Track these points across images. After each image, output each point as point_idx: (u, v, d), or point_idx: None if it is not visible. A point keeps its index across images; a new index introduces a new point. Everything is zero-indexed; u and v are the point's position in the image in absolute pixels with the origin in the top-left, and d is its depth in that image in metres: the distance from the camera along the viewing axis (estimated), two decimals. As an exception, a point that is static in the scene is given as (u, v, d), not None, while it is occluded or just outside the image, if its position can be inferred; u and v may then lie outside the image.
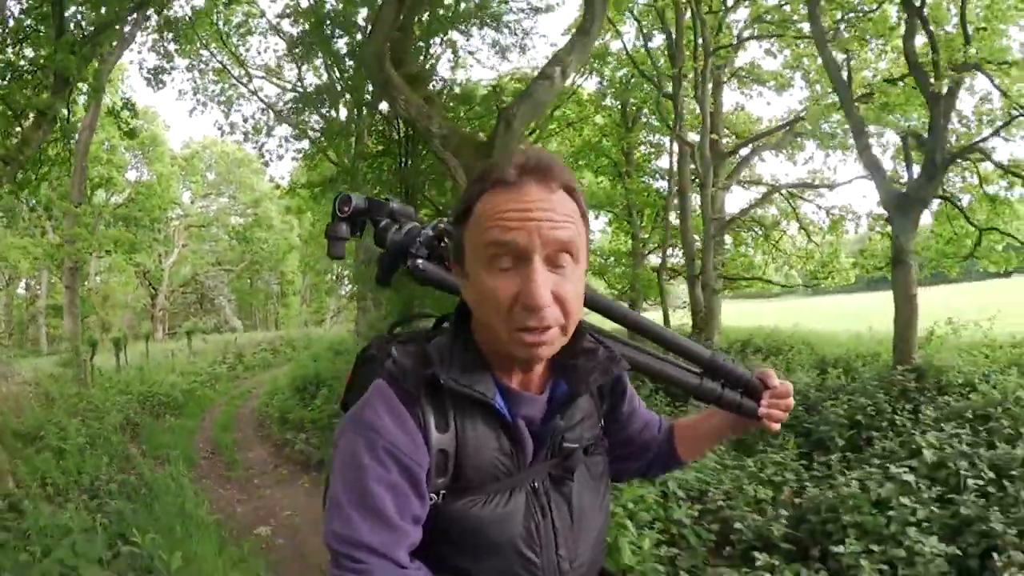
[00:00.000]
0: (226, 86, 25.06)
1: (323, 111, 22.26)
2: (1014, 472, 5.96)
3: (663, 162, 22.29)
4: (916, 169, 11.23)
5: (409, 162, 18.65)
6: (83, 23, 12.97)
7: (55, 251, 20.75)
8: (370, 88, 17.50)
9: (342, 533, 1.37)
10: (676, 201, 19.03)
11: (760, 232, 25.25)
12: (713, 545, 6.08)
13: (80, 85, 13.32)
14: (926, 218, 17.39)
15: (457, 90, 20.03)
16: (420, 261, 1.76)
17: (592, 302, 1.73)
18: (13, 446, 9.85)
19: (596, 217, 26.85)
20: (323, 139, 22.38)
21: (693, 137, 16.78)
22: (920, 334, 12.72)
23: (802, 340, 19.38)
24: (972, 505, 5.45)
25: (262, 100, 24.73)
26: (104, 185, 33.68)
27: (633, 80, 22.03)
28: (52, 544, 5.22)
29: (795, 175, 42.39)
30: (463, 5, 18.26)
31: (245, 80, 24.61)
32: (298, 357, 27.74)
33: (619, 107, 24.73)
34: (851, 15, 14.70)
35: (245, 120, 24.71)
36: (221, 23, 22.05)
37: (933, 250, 16.90)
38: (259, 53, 37.51)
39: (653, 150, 26.05)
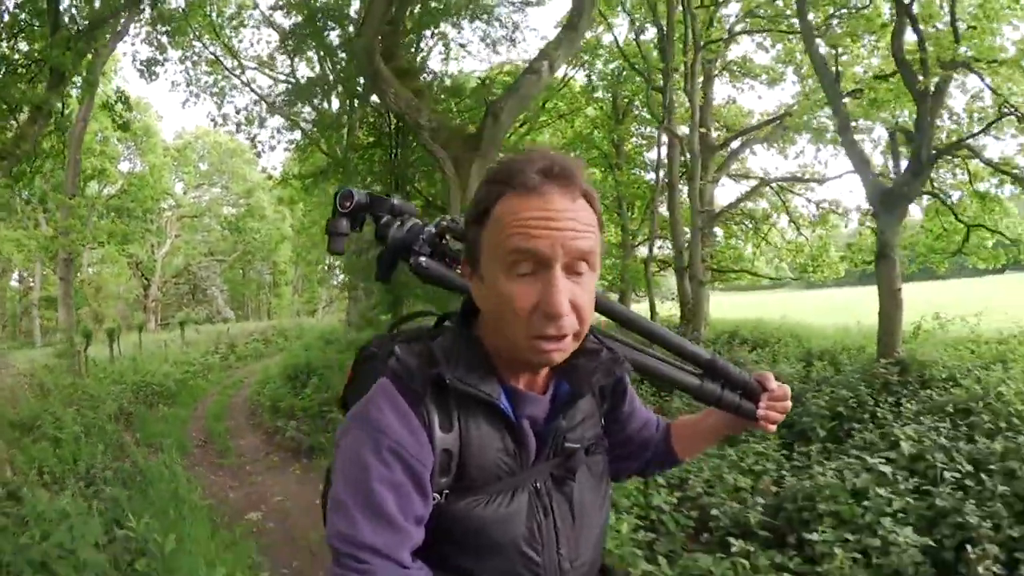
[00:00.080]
0: (219, 77, 24.96)
1: (315, 103, 22.26)
2: (992, 466, 6.02)
3: (654, 154, 22.37)
4: (904, 165, 11.27)
5: (399, 154, 18.70)
6: (78, 18, 13.01)
7: (49, 243, 20.77)
8: (362, 80, 17.56)
9: (346, 533, 1.38)
10: (665, 194, 19.11)
11: (750, 225, 25.40)
12: (692, 531, 6.21)
13: (75, 79, 13.30)
14: (917, 213, 17.55)
15: (447, 82, 20.07)
16: (423, 258, 1.75)
17: (597, 304, 1.65)
18: (10, 436, 9.95)
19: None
20: (315, 130, 22.34)
21: (683, 130, 16.85)
22: (907, 328, 12.85)
23: (790, 332, 19.35)
24: (948, 497, 5.54)
25: (255, 91, 24.67)
26: (97, 176, 33.56)
27: (625, 73, 22.03)
28: (50, 529, 5.34)
29: (786, 169, 42.52)
30: (454, -1, 18.21)
31: (238, 72, 24.58)
32: (290, 347, 27.79)
33: (610, 99, 24.75)
34: (843, 11, 14.77)
35: (238, 111, 24.75)
36: (214, 15, 22.03)
37: (922, 245, 17.02)
38: (252, 44, 37.51)
39: (644, 142, 26.08)
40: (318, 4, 19.12)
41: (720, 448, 7.84)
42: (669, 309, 21.80)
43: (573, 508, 1.61)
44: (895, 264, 10.68)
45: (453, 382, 1.45)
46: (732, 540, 5.51)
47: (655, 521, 6.09)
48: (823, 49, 13.00)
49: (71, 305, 21.84)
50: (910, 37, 10.87)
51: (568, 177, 1.40)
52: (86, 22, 12.79)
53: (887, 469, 6.16)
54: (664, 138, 18.76)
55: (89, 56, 13.41)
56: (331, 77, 20.85)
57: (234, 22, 23.67)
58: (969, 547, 4.90)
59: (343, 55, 18.80)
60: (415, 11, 17.30)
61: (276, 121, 24.61)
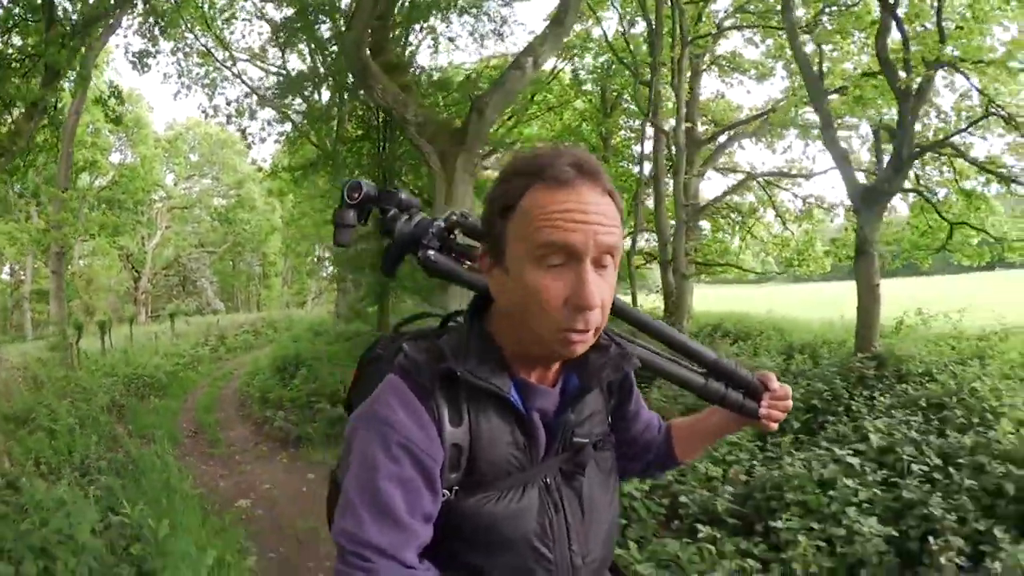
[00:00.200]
0: (210, 69, 24.88)
1: (306, 95, 22.17)
2: (961, 460, 6.07)
3: (645, 148, 22.38)
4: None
5: (387, 147, 18.77)
6: (72, 15, 13.04)
7: (42, 236, 20.78)
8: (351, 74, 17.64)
9: (352, 532, 1.38)
10: (651, 187, 19.14)
11: (737, 219, 25.49)
12: (663, 519, 6.35)
13: (68, 73, 13.34)
14: (903, 210, 17.63)
15: (435, 77, 20.14)
16: (431, 252, 1.73)
17: None
18: (6, 428, 10.04)
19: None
20: (305, 123, 22.39)
21: (670, 124, 16.88)
22: (889, 324, 12.93)
23: (773, 326, 19.34)
24: (915, 489, 5.63)
25: (246, 83, 24.69)
26: (88, 168, 33.36)
27: (614, 67, 21.92)
28: (49, 516, 5.49)
29: (773, 163, 42.49)
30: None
31: (229, 63, 24.56)
32: (279, 339, 27.93)
33: (599, 92, 24.72)
34: (832, 8, 14.71)
35: (228, 103, 24.73)
36: (206, 7, 22.02)
37: (907, 241, 17.09)
38: (243, 36, 37.40)
39: (633, 135, 25.99)
40: (309, -1, 19.23)
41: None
42: (653, 302, 21.82)
43: (583, 504, 1.62)
44: (874, 260, 10.70)
45: (464, 374, 1.46)
46: (700, 527, 5.64)
47: (627, 508, 6.18)
48: (811, 46, 13.10)
49: (63, 298, 21.91)
50: (899, 35, 10.81)
51: (598, 173, 1.43)
52: (80, 17, 12.78)
53: (855, 461, 6.20)
54: (650, 131, 18.84)
55: (83, 50, 13.45)
56: (321, 70, 20.89)
57: (226, 14, 23.63)
58: (931, 538, 4.96)
59: (334, 48, 18.85)
60: (404, 5, 17.35)
61: (266, 113, 24.70)
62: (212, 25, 22.98)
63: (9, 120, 12.17)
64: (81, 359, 18.17)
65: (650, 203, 20.19)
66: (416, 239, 1.74)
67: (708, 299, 30.17)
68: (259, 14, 23.74)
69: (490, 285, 1.53)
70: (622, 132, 26.04)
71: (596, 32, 22.32)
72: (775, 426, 1.89)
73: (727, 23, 21.68)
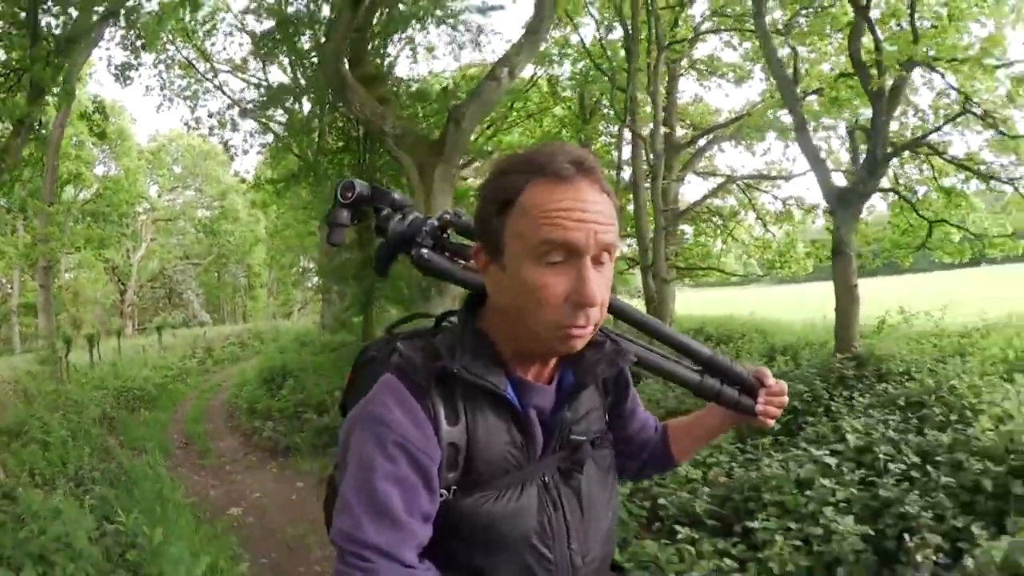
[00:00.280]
0: (192, 81, 24.96)
1: (287, 106, 22.31)
2: (939, 458, 6.04)
3: (624, 153, 22.36)
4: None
5: (367, 159, 18.86)
6: (55, 29, 13.09)
7: (30, 250, 20.74)
8: (330, 86, 17.70)
9: (350, 532, 1.37)
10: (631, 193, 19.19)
11: (719, 222, 25.58)
12: (644, 521, 6.39)
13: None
14: (885, 209, 17.75)
15: (414, 87, 20.21)
16: (425, 251, 1.72)
17: None
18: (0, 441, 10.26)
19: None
20: (287, 134, 22.40)
21: (650, 129, 16.91)
22: (871, 323, 13.02)
23: (756, 328, 19.49)
24: (892, 488, 5.60)
25: (227, 95, 24.77)
26: (73, 181, 33.19)
27: (592, 73, 21.82)
28: (46, 525, 5.64)
29: (753, 166, 42.57)
30: (421, 0, 18.31)
31: (211, 75, 24.62)
32: (266, 350, 27.90)
33: (578, 98, 24.66)
34: (807, 10, 14.74)
35: (211, 115, 24.78)
36: (187, 19, 22.01)
37: (887, 240, 17.16)
38: (224, 48, 37.40)
39: (612, 141, 25.92)
40: (289, 10, 19.34)
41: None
42: (635, 306, 21.91)
43: (582, 502, 1.62)
44: (851, 260, 10.73)
45: (460, 372, 1.45)
46: (679, 528, 5.68)
47: (611, 511, 6.24)
48: (786, 49, 13.19)
49: (51, 312, 21.80)
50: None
51: (596, 170, 1.43)
52: (64, 33, 12.81)
53: (832, 460, 6.22)
54: (628, 137, 18.92)
55: (67, 66, 13.51)
56: (302, 82, 20.91)
57: (207, 26, 23.69)
58: (907, 536, 4.90)
59: (314, 60, 18.88)
60: (383, 16, 17.41)
61: (249, 125, 24.74)
62: (193, 37, 23.02)
63: (-3, 134, 12.23)
64: (70, 372, 18.13)
65: (630, 208, 20.31)
66: (409, 238, 1.75)
67: (691, 303, 30.34)
68: (240, 26, 23.80)
69: (486, 282, 1.54)
70: (602, 138, 26.00)
71: (574, 39, 22.40)
72: (772, 422, 1.88)
73: (704, 27, 21.84)
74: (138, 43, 19.33)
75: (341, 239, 1.89)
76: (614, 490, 1.75)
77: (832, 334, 11.50)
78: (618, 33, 19.98)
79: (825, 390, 9.19)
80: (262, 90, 23.27)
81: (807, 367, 10.43)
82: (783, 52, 13.05)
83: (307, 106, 22.13)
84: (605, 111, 24.16)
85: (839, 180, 13.33)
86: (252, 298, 64.79)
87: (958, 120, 12.19)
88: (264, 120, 23.50)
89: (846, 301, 10.71)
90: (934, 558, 4.70)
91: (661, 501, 6.42)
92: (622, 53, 18.81)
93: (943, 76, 11.51)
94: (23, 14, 12.39)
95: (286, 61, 21.67)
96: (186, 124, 26.74)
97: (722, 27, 21.47)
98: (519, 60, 12.63)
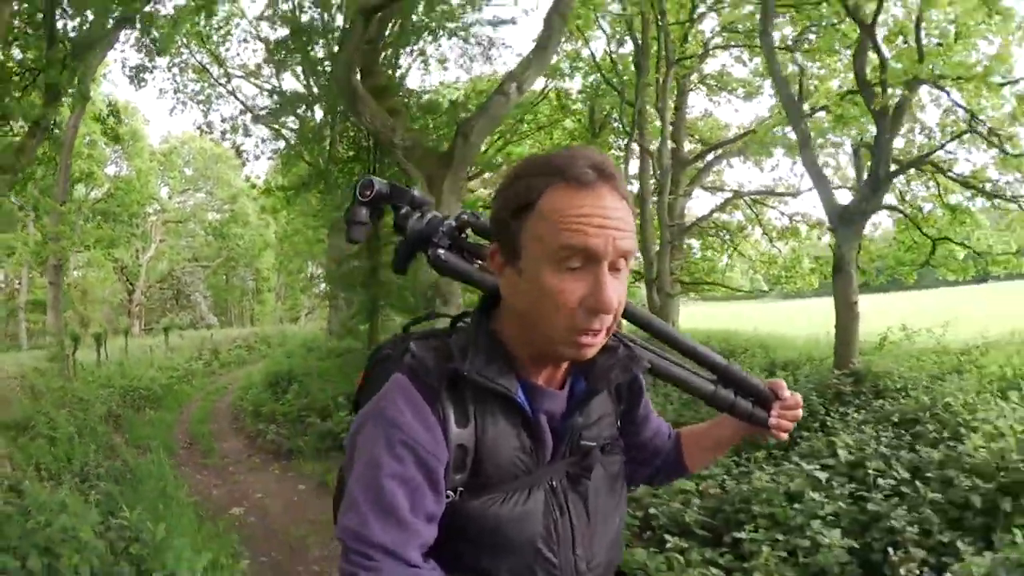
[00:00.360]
0: (205, 85, 25.22)
1: (299, 114, 22.45)
2: (929, 474, 6.10)
3: (632, 167, 22.36)
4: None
5: (377, 169, 18.93)
6: (71, 31, 13.13)
7: (40, 248, 20.77)
8: (342, 96, 17.75)
9: (355, 530, 1.38)
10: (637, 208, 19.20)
11: (726, 237, 25.61)
12: (637, 530, 6.50)
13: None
14: (889, 225, 17.75)
15: (425, 99, 20.21)
16: (441, 251, 1.70)
17: None
18: (6, 435, 10.28)
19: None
20: (298, 142, 22.53)
21: (658, 144, 16.90)
22: (873, 339, 13.04)
23: (760, 343, 19.36)
24: (881, 503, 5.69)
25: (240, 101, 24.99)
26: (84, 180, 33.33)
27: (602, 87, 22.06)
28: (51, 518, 5.74)
29: (761, 182, 42.57)
30: (433, 13, 18.37)
31: (224, 80, 24.81)
32: (272, 354, 27.83)
33: (588, 111, 24.74)
34: (816, 26, 14.79)
35: (223, 120, 24.93)
36: (202, 23, 22.08)
37: (892, 257, 17.20)
38: (238, 54, 37.53)
39: (621, 154, 25.99)
40: (304, 20, 19.47)
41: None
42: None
43: (588, 507, 1.60)
44: (851, 278, 10.80)
45: (471, 374, 1.44)
46: (668, 537, 5.81)
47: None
48: (794, 66, 13.22)
49: (60, 309, 21.93)
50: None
51: (616, 176, 1.41)
52: (80, 37, 12.90)
53: (823, 475, 6.30)
54: (637, 149, 18.96)
55: (82, 69, 13.57)
56: (315, 90, 21.06)
57: (221, 31, 23.85)
58: (891, 550, 5.03)
59: (327, 69, 19.00)
60: (395, 28, 17.52)
61: (261, 131, 24.86)
62: (208, 42, 23.16)
63: (11, 134, 12.32)
64: (77, 370, 18.24)
65: (637, 222, 20.27)
66: (427, 237, 1.72)
67: (696, 317, 30.29)
68: (255, 33, 23.98)
69: (501, 285, 1.52)
70: (611, 151, 26.01)
71: (585, 52, 22.50)
72: (785, 436, 1.85)
73: (714, 42, 21.92)
74: (152, 46, 19.44)
75: (361, 236, 1.83)
76: (622, 497, 1.75)
77: (833, 349, 11.51)
78: (629, 47, 20.06)
79: (822, 405, 9.26)
80: (275, 97, 23.46)
81: (805, 382, 10.48)
82: (791, 69, 13.05)
83: (319, 114, 22.19)
84: (615, 124, 24.09)
85: (846, 197, 13.37)
86: (260, 302, 64.69)
87: (964, 138, 12.25)
88: (276, 127, 23.63)
89: (846, 318, 10.81)
90: (918, 572, 4.79)
91: (653, 511, 6.51)
92: (632, 68, 18.87)
93: (948, 94, 11.61)
94: (40, 15, 12.52)
95: (299, 69, 21.82)
96: (199, 128, 26.75)
97: (732, 43, 21.57)
98: (528, 75, 12.69)
